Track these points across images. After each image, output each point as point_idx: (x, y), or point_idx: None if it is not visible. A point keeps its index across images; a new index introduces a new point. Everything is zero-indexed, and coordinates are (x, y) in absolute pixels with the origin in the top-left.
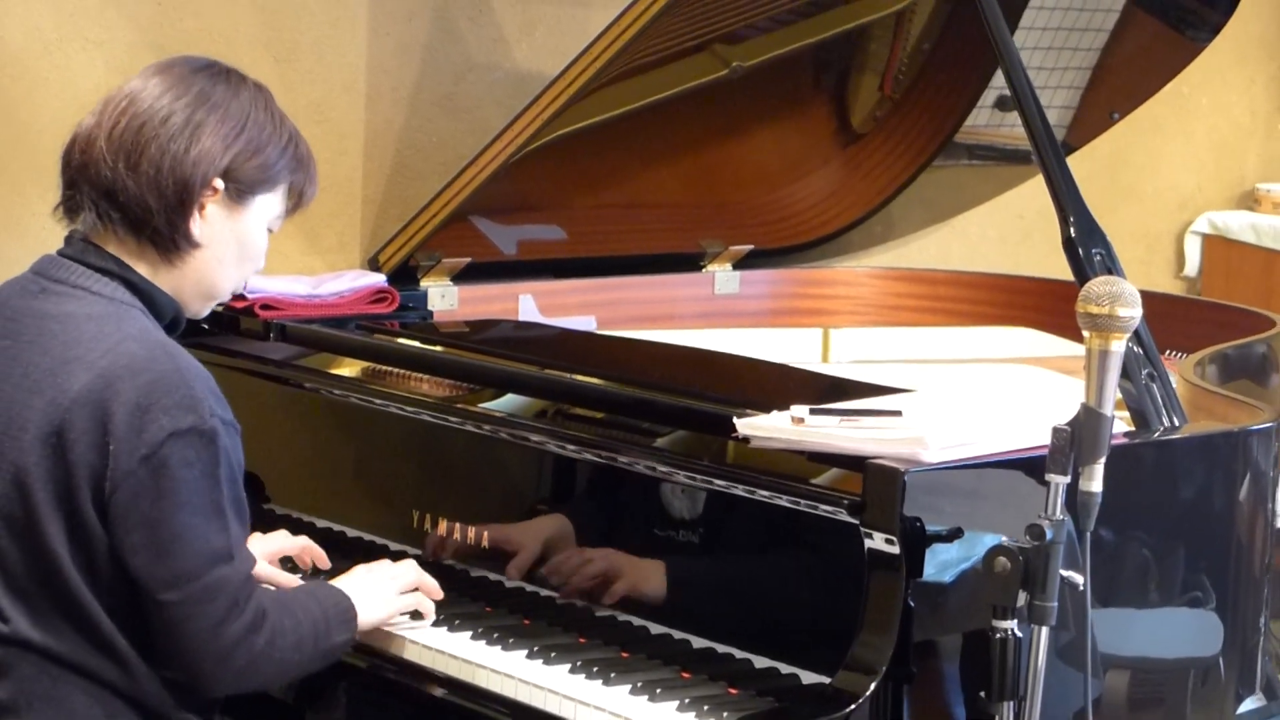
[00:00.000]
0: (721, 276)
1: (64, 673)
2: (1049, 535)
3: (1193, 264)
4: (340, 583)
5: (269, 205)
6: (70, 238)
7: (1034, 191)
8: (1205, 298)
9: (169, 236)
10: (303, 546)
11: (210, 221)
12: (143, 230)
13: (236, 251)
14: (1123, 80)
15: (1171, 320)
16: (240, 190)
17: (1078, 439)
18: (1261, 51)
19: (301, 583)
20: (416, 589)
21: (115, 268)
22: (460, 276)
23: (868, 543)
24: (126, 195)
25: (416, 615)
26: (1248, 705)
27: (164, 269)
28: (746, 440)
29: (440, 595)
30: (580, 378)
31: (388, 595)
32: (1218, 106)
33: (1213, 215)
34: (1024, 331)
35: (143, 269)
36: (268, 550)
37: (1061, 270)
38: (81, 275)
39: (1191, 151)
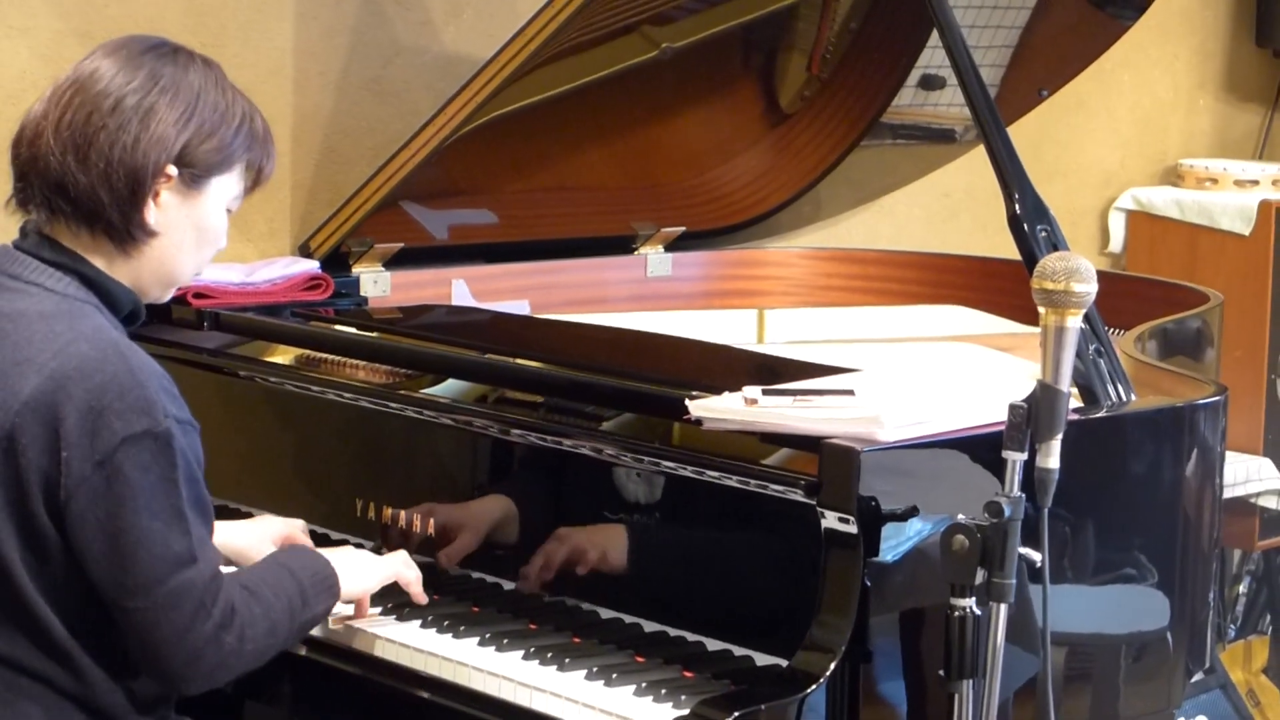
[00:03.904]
0: (654, 259)
1: (17, 680)
2: (1007, 512)
3: (1117, 240)
4: (323, 552)
5: (226, 186)
6: (24, 229)
7: (960, 171)
8: (1134, 273)
9: (123, 228)
10: (304, 529)
11: (166, 209)
12: (96, 223)
13: (195, 237)
14: (1050, 57)
15: (1103, 296)
16: (195, 175)
17: (1035, 415)
18: (1183, 26)
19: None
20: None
21: (70, 262)
22: (392, 262)
23: (824, 522)
24: (77, 189)
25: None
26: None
27: (120, 260)
28: (699, 422)
29: (424, 601)
30: (524, 362)
31: (373, 566)
32: (1140, 82)
33: (1136, 191)
34: (955, 309)
35: (98, 261)
36: (276, 534)
37: (988, 248)
38: (35, 270)
39: (1115, 128)
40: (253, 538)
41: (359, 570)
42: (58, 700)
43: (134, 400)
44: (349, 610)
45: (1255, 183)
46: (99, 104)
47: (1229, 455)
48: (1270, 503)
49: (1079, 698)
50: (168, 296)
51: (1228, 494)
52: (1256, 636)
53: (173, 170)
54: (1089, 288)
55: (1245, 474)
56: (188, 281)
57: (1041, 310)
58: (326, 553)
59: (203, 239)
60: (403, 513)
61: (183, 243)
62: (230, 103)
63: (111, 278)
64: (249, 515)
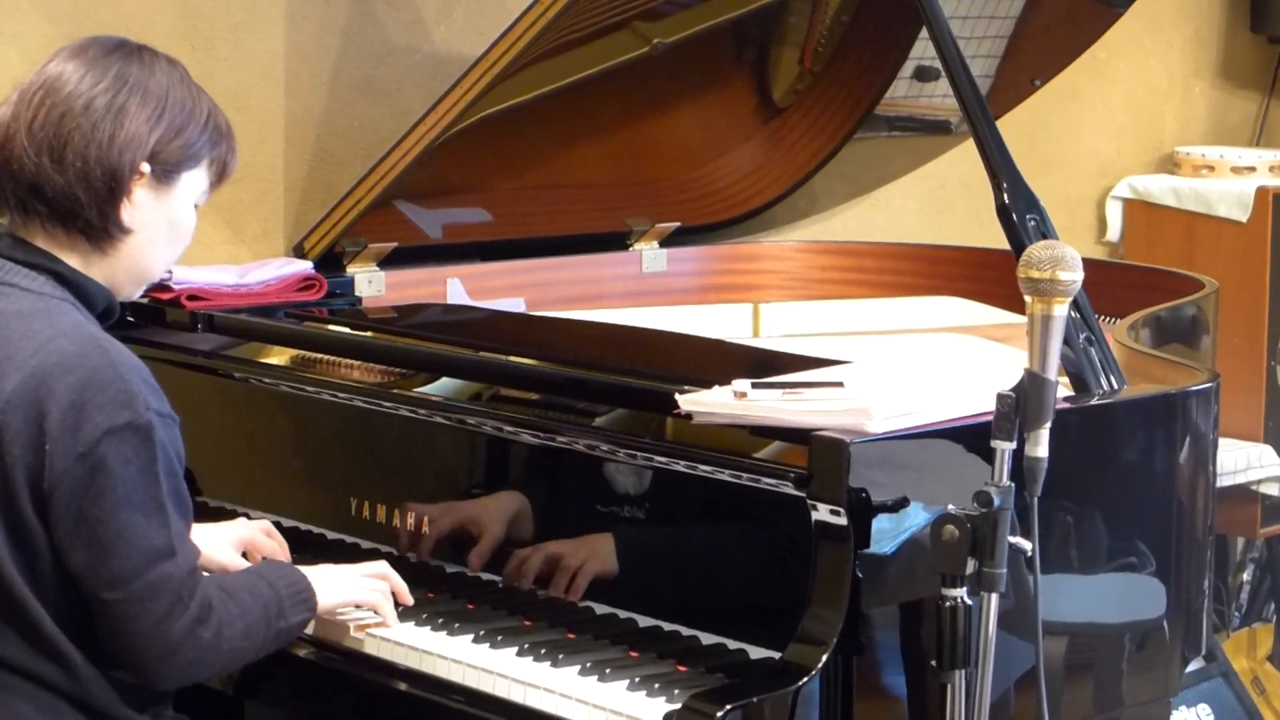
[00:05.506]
0: (648, 255)
1: (7, 677)
2: (997, 502)
3: (1114, 229)
4: (301, 569)
5: (194, 182)
6: None
7: (955, 162)
8: (1128, 261)
9: (101, 226)
10: (268, 531)
11: (139, 206)
12: (73, 222)
13: (168, 232)
14: (1042, 47)
15: (1098, 285)
16: (166, 171)
17: (1022, 405)
18: (1177, 14)
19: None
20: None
21: (44, 261)
22: (386, 261)
23: (814, 515)
24: (53, 189)
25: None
26: (1190, 666)
27: (96, 258)
28: (689, 416)
29: (410, 601)
30: (517, 359)
31: (349, 580)
32: (1135, 70)
33: (1133, 180)
34: (950, 300)
35: (73, 260)
36: (235, 538)
37: (983, 238)
38: (9, 272)
39: (1110, 117)
40: (212, 542)
41: (335, 585)
42: (51, 698)
43: (116, 393)
44: (371, 617)
45: (1252, 169)
46: (71, 105)
47: (1230, 443)
48: (1272, 490)
49: (1080, 687)
50: (138, 294)
51: (1229, 482)
52: (1261, 624)
53: (145, 167)
54: (1074, 276)
55: (1246, 461)
56: (158, 278)
57: (1028, 299)
58: (305, 569)
59: (174, 234)
60: (398, 511)
61: (156, 238)
62: (196, 100)
63: (87, 276)
64: (245, 516)
